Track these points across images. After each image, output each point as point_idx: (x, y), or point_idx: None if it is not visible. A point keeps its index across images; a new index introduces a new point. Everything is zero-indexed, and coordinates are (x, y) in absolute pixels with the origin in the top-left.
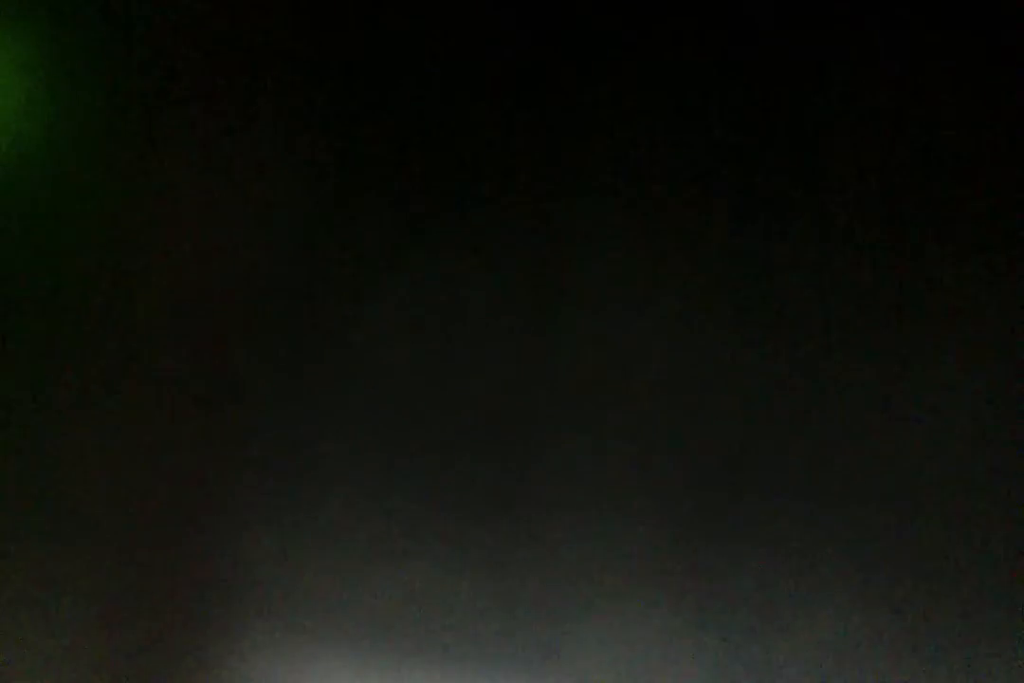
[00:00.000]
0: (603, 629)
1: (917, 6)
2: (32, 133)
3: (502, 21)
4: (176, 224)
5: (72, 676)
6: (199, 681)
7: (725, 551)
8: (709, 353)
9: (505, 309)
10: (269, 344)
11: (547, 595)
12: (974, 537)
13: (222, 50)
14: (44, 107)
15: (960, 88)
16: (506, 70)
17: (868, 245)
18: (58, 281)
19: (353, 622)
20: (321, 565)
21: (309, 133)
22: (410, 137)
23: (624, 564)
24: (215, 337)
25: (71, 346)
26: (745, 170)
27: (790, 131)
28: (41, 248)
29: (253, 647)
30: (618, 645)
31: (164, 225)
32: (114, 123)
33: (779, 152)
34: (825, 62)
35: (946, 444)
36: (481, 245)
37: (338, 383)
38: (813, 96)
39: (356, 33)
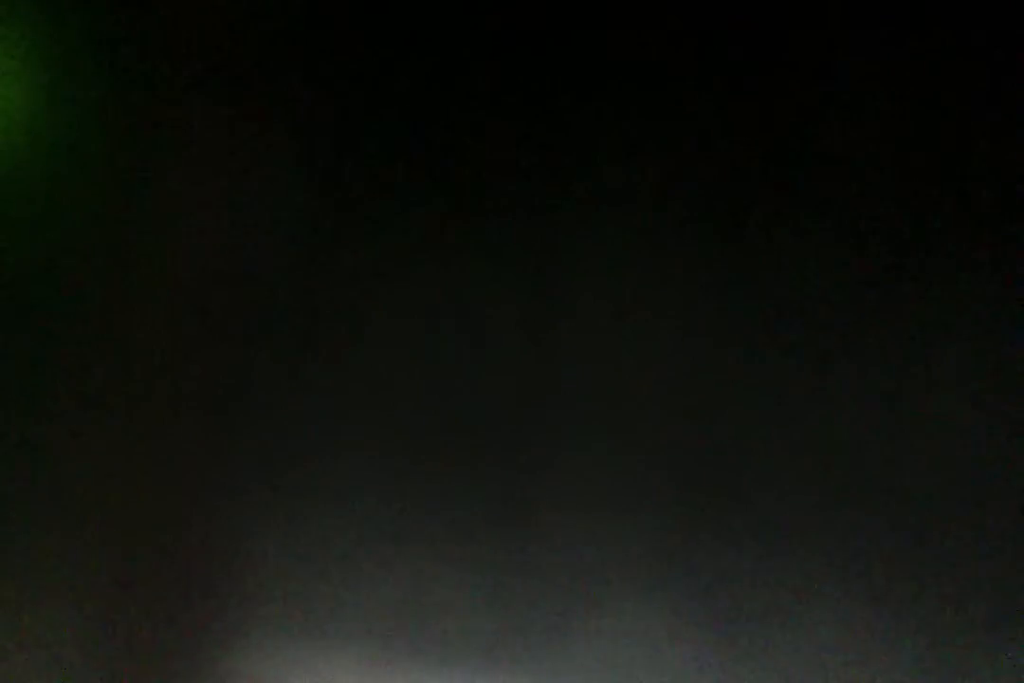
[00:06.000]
0: (603, 629)
1: (917, 6)
2: (31, 133)
3: (507, 26)
4: (177, 227)
5: (72, 676)
6: (199, 681)
7: (725, 552)
8: (709, 356)
9: (508, 313)
10: (271, 348)
11: (547, 595)
12: (975, 537)
13: (225, 50)
14: (43, 107)
15: (961, 89)
16: (511, 77)
17: (866, 253)
18: (56, 283)
19: (353, 622)
20: (321, 566)
21: (312, 135)
22: (414, 142)
23: (624, 564)
24: (218, 339)
25: (71, 347)
26: (746, 178)
27: (790, 137)
28: (40, 248)
29: (253, 647)
30: (618, 645)
31: (164, 226)
32: (114, 123)
33: (779, 159)
34: (824, 67)
35: (947, 444)
36: (484, 253)
37: (340, 386)
38: (816, 100)
39: (362, 36)
